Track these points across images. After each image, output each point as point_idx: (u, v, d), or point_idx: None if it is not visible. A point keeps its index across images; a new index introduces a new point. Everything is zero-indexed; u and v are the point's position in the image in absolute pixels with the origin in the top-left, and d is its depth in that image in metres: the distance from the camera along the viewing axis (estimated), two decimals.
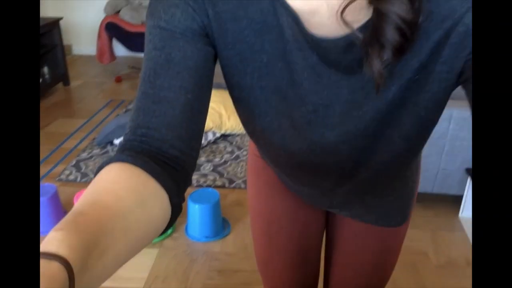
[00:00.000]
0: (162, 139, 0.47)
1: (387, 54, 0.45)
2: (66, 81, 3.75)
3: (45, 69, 3.50)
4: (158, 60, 0.50)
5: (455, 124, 1.89)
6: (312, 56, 0.50)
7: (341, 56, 0.49)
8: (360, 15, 0.46)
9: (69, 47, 4.51)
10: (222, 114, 2.80)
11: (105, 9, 3.76)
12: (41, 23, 3.23)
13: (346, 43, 0.48)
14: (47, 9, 4.21)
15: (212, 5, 0.50)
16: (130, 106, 3.34)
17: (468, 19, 0.44)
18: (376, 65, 0.45)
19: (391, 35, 0.43)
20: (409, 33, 0.44)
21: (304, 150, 0.61)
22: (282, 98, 0.55)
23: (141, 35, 3.58)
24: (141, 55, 4.14)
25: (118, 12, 3.73)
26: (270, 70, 0.53)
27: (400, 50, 0.45)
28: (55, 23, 3.48)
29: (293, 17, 0.48)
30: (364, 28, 0.46)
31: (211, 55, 0.53)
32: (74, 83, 3.82)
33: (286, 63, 0.52)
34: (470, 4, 0.44)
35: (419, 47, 0.47)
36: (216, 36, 0.52)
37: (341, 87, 0.52)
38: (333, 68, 0.50)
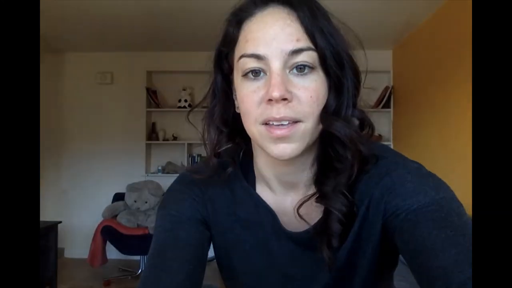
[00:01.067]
0: None
1: (335, 242, 0.57)
2: (53, 285, 3.62)
3: None
4: (166, 239, 0.62)
5: None
6: (288, 244, 0.65)
7: (309, 242, 0.62)
8: (316, 213, 0.61)
9: (62, 250, 4.50)
10: None
11: (104, 214, 3.91)
12: (40, 226, 3.31)
13: (308, 235, 0.62)
14: (47, 213, 4.38)
15: (211, 202, 0.67)
16: None
17: (378, 192, 0.57)
18: (326, 252, 0.58)
19: (336, 227, 0.57)
20: (347, 222, 0.57)
21: None
22: (261, 278, 0.68)
23: (135, 238, 3.65)
24: (133, 258, 4.10)
25: (115, 216, 3.88)
26: (251, 256, 0.67)
27: (344, 237, 0.58)
28: (53, 227, 3.56)
29: (272, 216, 0.65)
30: (318, 223, 0.60)
31: (208, 237, 0.67)
32: (60, 287, 3.68)
33: (266, 250, 0.66)
34: (378, 181, 0.58)
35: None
36: (212, 225, 0.68)
37: (317, 262, 0.62)
38: (307, 250, 0.63)
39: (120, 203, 4.04)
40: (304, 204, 0.60)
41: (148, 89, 4.55)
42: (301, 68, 0.54)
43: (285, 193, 0.65)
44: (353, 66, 0.60)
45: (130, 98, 4.60)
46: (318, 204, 0.60)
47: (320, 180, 0.60)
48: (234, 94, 0.62)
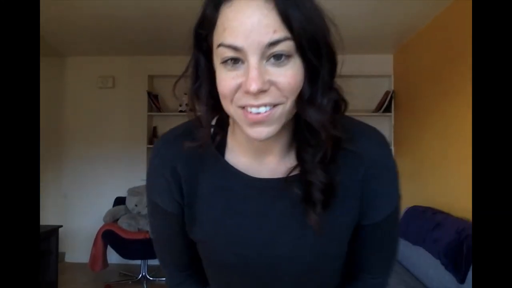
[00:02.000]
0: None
1: (319, 208, 0.64)
2: None
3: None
4: (160, 234, 0.80)
5: None
6: (259, 198, 0.69)
7: (281, 191, 0.68)
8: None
9: (62, 254, 4.50)
10: None
11: (105, 218, 3.91)
12: (41, 230, 3.31)
13: (280, 183, 0.67)
14: (48, 217, 4.38)
15: (184, 176, 0.71)
16: None
17: (359, 183, 0.68)
18: (313, 217, 0.64)
19: (317, 195, 0.63)
20: (329, 192, 0.64)
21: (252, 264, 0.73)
22: (232, 242, 0.71)
23: (136, 242, 3.65)
24: (134, 262, 4.10)
25: (116, 220, 3.88)
26: (223, 219, 0.70)
27: (327, 205, 0.64)
28: (54, 231, 3.56)
29: (241, 177, 0.69)
30: (298, 182, 0.65)
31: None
32: None
33: (236, 212, 0.70)
34: (357, 166, 0.67)
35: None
36: (185, 200, 0.72)
37: (287, 215, 0.69)
38: (278, 200, 0.69)
39: (121, 207, 4.04)
40: (278, 170, 0.68)
41: (149, 93, 4.56)
42: (278, 57, 0.55)
43: (261, 159, 0.70)
44: (329, 51, 0.60)
45: (132, 102, 4.61)
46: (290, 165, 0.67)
47: (300, 156, 0.66)
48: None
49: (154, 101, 4.57)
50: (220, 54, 0.57)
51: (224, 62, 0.57)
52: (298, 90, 0.58)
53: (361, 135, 0.68)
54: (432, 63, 3.37)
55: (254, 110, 0.57)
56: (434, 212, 2.92)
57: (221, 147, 0.71)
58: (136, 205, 3.91)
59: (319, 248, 0.69)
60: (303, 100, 0.59)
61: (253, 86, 0.54)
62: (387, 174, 0.70)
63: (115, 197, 4.31)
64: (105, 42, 4.15)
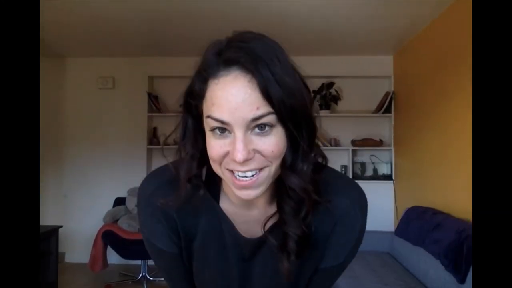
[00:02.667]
0: None
1: (292, 257, 0.70)
2: None
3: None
4: (167, 271, 0.84)
5: None
6: (244, 249, 0.76)
7: (261, 246, 0.76)
8: (270, 222, 0.73)
9: (62, 255, 4.50)
10: None
11: (104, 218, 3.91)
12: (41, 230, 3.31)
13: (262, 240, 0.75)
14: (48, 217, 4.39)
15: (180, 221, 0.76)
16: None
17: (327, 240, 0.75)
18: (285, 264, 0.70)
19: (292, 245, 0.69)
20: (303, 243, 0.70)
21: None
22: (222, 281, 0.79)
23: (136, 243, 3.65)
24: (134, 262, 4.11)
25: (116, 221, 3.87)
26: (212, 261, 0.78)
27: (300, 254, 0.70)
28: (54, 231, 3.56)
29: (231, 226, 0.75)
30: (274, 234, 0.72)
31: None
32: None
33: (225, 256, 0.77)
34: (331, 225, 0.74)
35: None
36: (182, 239, 0.78)
37: (264, 267, 0.77)
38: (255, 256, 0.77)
39: (121, 207, 4.04)
40: (260, 215, 0.74)
41: (149, 94, 4.56)
42: (262, 127, 0.61)
43: (247, 208, 0.76)
44: (308, 121, 0.65)
45: (132, 103, 4.61)
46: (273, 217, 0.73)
47: (280, 206, 0.71)
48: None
49: (154, 102, 4.57)
50: (209, 123, 0.63)
51: (212, 130, 0.63)
52: (282, 155, 0.64)
53: (337, 193, 0.74)
54: (432, 64, 3.37)
55: (241, 174, 0.63)
56: (434, 212, 2.92)
57: (215, 192, 0.77)
58: (136, 206, 3.91)
59: None
60: (285, 166, 0.66)
61: (239, 157, 0.60)
62: (348, 235, 0.76)
63: (115, 198, 4.31)
64: (105, 43, 4.16)
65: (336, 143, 4.46)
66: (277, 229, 0.72)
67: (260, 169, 0.64)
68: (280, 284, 0.78)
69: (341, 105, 4.52)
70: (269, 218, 0.72)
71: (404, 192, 4.11)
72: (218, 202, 0.77)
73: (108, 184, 4.57)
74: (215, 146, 0.63)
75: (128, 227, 3.75)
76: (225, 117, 0.60)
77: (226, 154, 0.63)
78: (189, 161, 0.70)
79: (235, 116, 0.60)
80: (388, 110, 4.31)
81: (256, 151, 0.62)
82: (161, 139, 4.64)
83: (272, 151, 0.62)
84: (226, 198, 0.77)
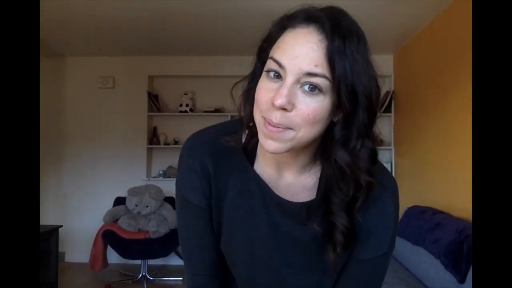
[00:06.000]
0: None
1: (339, 249, 0.70)
2: None
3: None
4: (189, 230, 0.82)
5: None
6: (276, 214, 0.76)
7: (296, 213, 0.75)
8: (304, 194, 0.75)
9: (62, 254, 4.50)
10: None
11: (104, 218, 3.91)
12: (41, 230, 3.31)
13: (297, 207, 0.74)
14: (48, 217, 4.38)
15: (214, 174, 0.76)
16: None
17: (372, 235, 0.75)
18: (331, 256, 0.71)
19: (339, 237, 0.69)
20: (350, 235, 0.70)
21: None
22: (249, 240, 0.79)
23: (136, 242, 3.65)
24: (134, 262, 4.10)
25: (116, 220, 3.87)
26: (244, 222, 0.78)
27: (347, 246, 0.71)
28: (54, 231, 3.56)
29: (264, 187, 0.75)
30: (316, 221, 0.72)
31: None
32: None
33: (254, 216, 0.77)
34: (376, 222, 0.74)
35: None
36: (212, 196, 0.78)
37: (296, 234, 0.76)
38: (289, 219, 0.76)
39: (121, 207, 4.04)
40: (293, 186, 0.75)
41: (149, 94, 4.56)
42: (311, 88, 0.62)
43: (281, 172, 0.76)
44: (369, 104, 0.64)
45: (132, 103, 4.61)
46: (306, 187, 0.75)
47: (328, 195, 0.71)
48: None
49: (154, 101, 4.57)
50: (268, 64, 0.65)
51: (268, 71, 0.65)
52: (316, 125, 0.64)
53: (379, 184, 0.72)
54: (432, 63, 3.37)
55: (272, 123, 0.63)
56: (434, 212, 2.91)
57: (251, 155, 0.78)
58: (136, 205, 3.91)
59: (321, 277, 0.78)
60: (333, 140, 0.66)
61: (279, 101, 0.61)
62: (387, 221, 0.75)
63: (115, 197, 4.30)
64: (105, 42, 4.16)
65: None
66: (319, 217, 0.72)
67: (287, 128, 0.63)
68: (315, 271, 0.77)
69: None
70: (310, 207, 0.73)
71: (404, 192, 4.10)
72: (252, 165, 0.78)
73: (108, 183, 4.57)
74: (263, 88, 0.65)
75: (128, 226, 3.75)
76: (284, 61, 0.62)
77: (269, 100, 0.63)
78: (251, 105, 0.71)
79: (293, 63, 0.61)
80: (388, 109, 4.31)
81: (294, 106, 0.62)
82: (161, 139, 4.64)
83: (308, 114, 0.62)
84: (261, 161, 0.78)
